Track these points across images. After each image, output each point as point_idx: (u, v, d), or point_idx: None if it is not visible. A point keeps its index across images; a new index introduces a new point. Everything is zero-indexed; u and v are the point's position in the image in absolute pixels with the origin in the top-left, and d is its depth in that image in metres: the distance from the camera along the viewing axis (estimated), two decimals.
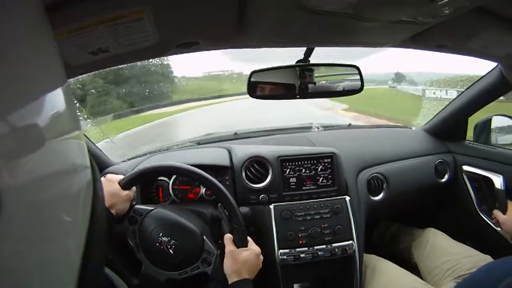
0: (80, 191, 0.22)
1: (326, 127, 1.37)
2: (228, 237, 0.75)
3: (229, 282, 0.70)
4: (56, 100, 0.20)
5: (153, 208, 0.78)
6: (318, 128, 1.34)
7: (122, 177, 0.78)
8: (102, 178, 0.77)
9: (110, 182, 0.75)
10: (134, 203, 0.78)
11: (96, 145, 1.02)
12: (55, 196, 0.19)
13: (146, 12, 0.48)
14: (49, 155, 0.18)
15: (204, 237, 0.76)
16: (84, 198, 0.23)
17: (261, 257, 0.77)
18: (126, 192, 0.75)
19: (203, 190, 1.00)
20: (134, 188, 0.79)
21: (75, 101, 1.03)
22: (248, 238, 0.77)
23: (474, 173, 1.18)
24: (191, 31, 0.61)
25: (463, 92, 1.20)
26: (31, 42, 0.19)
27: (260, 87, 0.83)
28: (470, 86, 1.16)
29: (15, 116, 0.15)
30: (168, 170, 0.81)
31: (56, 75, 0.22)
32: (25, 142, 0.16)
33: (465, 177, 1.22)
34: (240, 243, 0.74)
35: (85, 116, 1.07)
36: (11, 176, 0.14)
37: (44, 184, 0.17)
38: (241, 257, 0.72)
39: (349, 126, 1.43)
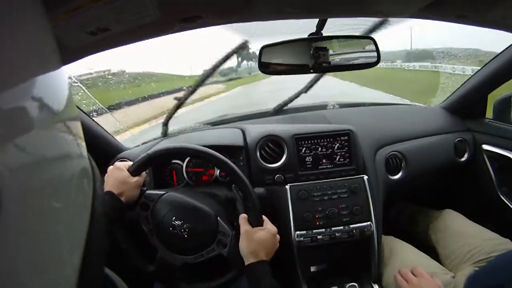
0: (79, 191, 0.22)
1: (342, 105, 1.33)
2: (243, 217, 0.74)
3: (246, 263, 0.69)
4: (50, 84, 0.20)
5: (164, 192, 0.77)
6: (333, 106, 1.30)
7: (130, 163, 0.77)
8: (111, 167, 0.76)
9: (119, 170, 0.75)
10: (145, 188, 0.78)
11: (107, 131, 1.01)
12: (52, 178, 0.18)
13: None
14: (44, 138, 0.18)
15: (218, 218, 0.74)
16: (84, 197, 0.23)
17: (278, 236, 0.75)
18: (135, 179, 0.74)
19: (217, 171, 0.98)
20: (144, 173, 0.78)
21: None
22: (264, 217, 0.75)
23: (494, 152, 1.14)
24: (194, 3, 0.59)
25: (482, 67, 1.14)
26: (23, 26, 0.18)
27: (270, 63, 0.80)
28: (489, 62, 1.11)
29: (9, 100, 0.15)
30: (176, 152, 0.79)
31: (50, 60, 0.21)
32: (17, 126, 0.15)
33: (485, 156, 1.17)
34: (255, 222, 0.72)
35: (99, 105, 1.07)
36: (8, 160, 0.14)
37: (41, 167, 0.17)
38: (256, 237, 0.70)
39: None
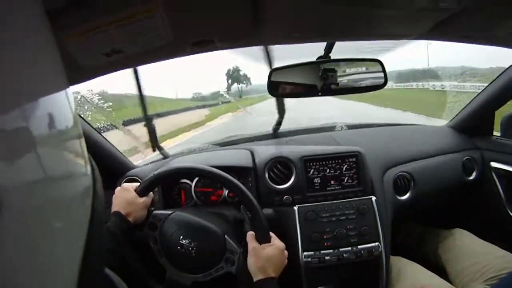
0: (80, 191, 0.22)
1: (351, 126, 1.34)
2: (250, 234, 0.74)
3: (254, 280, 0.68)
4: (56, 103, 0.20)
5: (171, 212, 0.77)
6: (342, 127, 1.31)
7: (137, 184, 0.78)
8: (118, 188, 0.77)
9: (126, 191, 0.76)
10: (153, 208, 0.78)
11: (117, 148, 1.02)
12: (55, 196, 0.18)
13: (157, 9, 0.47)
14: (48, 156, 0.18)
15: (226, 236, 0.74)
16: (84, 198, 0.23)
17: (286, 252, 0.74)
18: (143, 199, 0.75)
19: (225, 192, 0.99)
20: (151, 194, 0.79)
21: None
22: (271, 234, 0.75)
23: (503, 169, 1.13)
24: (205, 28, 0.60)
25: (488, 85, 1.15)
26: (31, 46, 0.19)
27: (281, 86, 0.82)
28: (495, 79, 1.12)
29: (15, 117, 0.15)
30: (185, 172, 0.80)
31: (56, 79, 0.22)
32: (22, 144, 0.15)
33: (493, 174, 1.16)
34: (263, 239, 0.72)
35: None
36: (11, 177, 0.14)
37: (44, 184, 0.17)
38: (264, 253, 0.70)
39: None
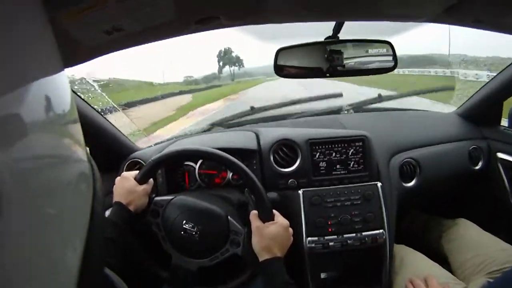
0: (78, 194, 0.22)
1: (357, 109, 1.32)
2: (253, 214, 0.73)
3: (260, 260, 0.68)
4: (51, 88, 0.20)
5: (172, 197, 0.76)
6: (348, 110, 1.29)
7: (136, 172, 0.77)
8: (118, 177, 0.77)
9: (125, 179, 0.75)
10: (154, 195, 0.77)
11: (121, 130, 1.01)
12: (53, 183, 0.18)
13: None
14: (45, 143, 0.18)
15: (229, 217, 0.74)
16: (83, 197, 0.23)
17: (291, 230, 0.73)
18: (142, 187, 0.74)
19: (230, 174, 0.98)
20: (151, 181, 0.78)
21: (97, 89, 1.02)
22: (275, 211, 0.73)
23: (509, 160, 1.11)
24: (210, 5, 0.58)
25: (497, 74, 1.13)
26: (23, 29, 0.18)
27: (286, 69, 0.80)
28: (504, 68, 1.10)
29: (8, 104, 0.15)
30: (183, 155, 0.79)
31: (50, 63, 0.21)
32: (17, 131, 0.15)
33: (499, 164, 1.15)
34: (266, 217, 0.71)
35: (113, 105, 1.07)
36: (8, 166, 0.14)
37: (41, 172, 0.17)
38: (268, 232, 0.69)
39: (379, 96, 1.35)
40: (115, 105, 1.07)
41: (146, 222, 0.75)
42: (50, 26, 0.22)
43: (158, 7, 0.53)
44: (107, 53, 0.73)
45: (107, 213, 0.71)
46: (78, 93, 0.92)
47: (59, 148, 0.20)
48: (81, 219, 0.22)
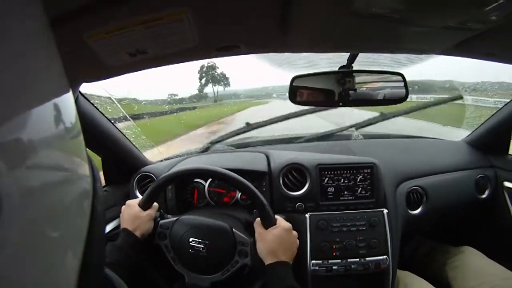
0: (80, 192, 0.22)
1: (366, 136, 1.33)
2: (257, 221, 0.75)
3: (266, 264, 0.69)
4: (57, 107, 0.20)
5: (177, 217, 0.79)
6: (358, 136, 1.30)
7: (139, 199, 0.79)
8: (124, 206, 0.80)
9: (130, 207, 0.79)
10: (159, 219, 0.80)
11: (134, 144, 1.03)
12: (54, 197, 0.18)
13: (186, 14, 0.47)
14: (47, 160, 0.18)
15: (233, 229, 0.75)
16: (84, 199, 0.23)
17: (295, 233, 0.74)
18: (146, 213, 0.78)
19: (238, 194, 0.99)
20: (156, 205, 0.81)
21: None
22: (277, 216, 0.75)
23: None
24: (232, 34, 0.60)
25: (508, 102, 1.13)
26: (31, 51, 0.19)
27: (299, 92, 0.82)
28: None
29: (13, 121, 0.15)
30: (188, 174, 0.80)
31: (55, 83, 0.22)
32: (22, 146, 0.15)
33: (506, 194, 1.15)
34: (268, 223, 0.72)
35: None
36: (11, 180, 0.14)
37: (43, 188, 0.17)
38: (270, 236, 0.70)
39: (382, 114, 1.34)
40: (128, 116, 1.10)
41: (155, 245, 0.77)
42: (56, 47, 0.22)
43: (183, 35, 0.55)
44: (128, 73, 0.75)
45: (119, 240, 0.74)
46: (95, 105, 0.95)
47: (61, 163, 0.20)
48: (81, 220, 0.22)
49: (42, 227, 0.17)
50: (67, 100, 0.22)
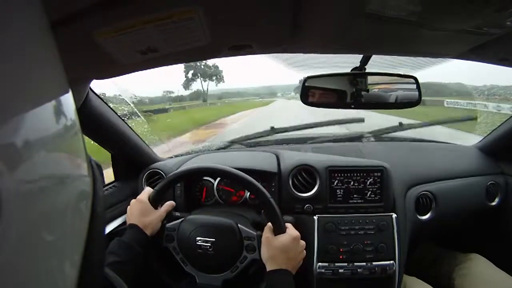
0: (79, 192, 0.22)
1: (377, 137, 1.31)
2: (267, 226, 0.74)
3: (267, 270, 0.68)
4: (56, 107, 0.20)
5: (182, 219, 0.79)
6: (368, 139, 1.29)
7: (150, 193, 0.79)
8: (133, 200, 0.79)
9: (141, 203, 0.77)
10: (165, 222, 0.80)
11: (144, 140, 1.04)
12: (53, 198, 0.18)
13: (197, 12, 0.47)
14: (45, 158, 0.18)
15: (239, 225, 0.75)
16: (83, 199, 0.23)
17: (302, 242, 0.73)
18: (158, 213, 0.77)
19: (247, 194, 0.99)
20: (166, 206, 0.81)
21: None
22: (288, 224, 0.74)
23: None
24: (244, 33, 0.60)
25: None
26: (30, 51, 0.19)
27: (311, 92, 0.82)
28: None
29: (11, 121, 0.15)
30: (196, 172, 0.80)
31: (55, 84, 0.22)
32: (21, 147, 0.15)
33: None
34: (279, 230, 0.72)
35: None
36: (11, 179, 0.14)
37: (43, 186, 0.17)
38: (276, 242, 0.69)
39: (400, 125, 1.33)
40: (138, 113, 1.10)
41: (164, 248, 0.77)
42: (56, 49, 0.22)
43: (194, 34, 0.55)
44: (138, 71, 0.76)
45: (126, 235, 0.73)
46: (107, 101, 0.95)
47: (61, 164, 0.20)
48: (81, 220, 0.22)
49: (41, 228, 0.17)
50: (66, 100, 0.22)
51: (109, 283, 0.38)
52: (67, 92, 0.22)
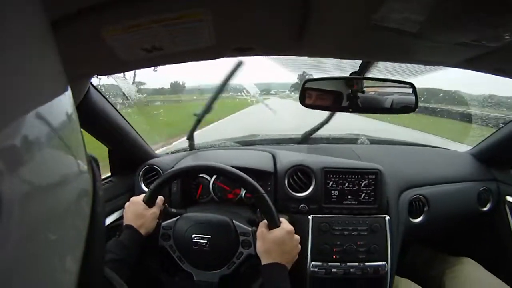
0: (79, 191, 0.22)
1: (373, 141, 1.33)
2: (262, 222, 0.75)
3: (262, 263, 0.69)
4: (55, 106, 0.20)
5: (178, 217, 0.80)
6: (363, 141, 1.31)
7: (143, 196, 0.79)
8: (127, 203, 0.80)
9: (135, 204, 0.78)
10: (160, 221, 0.80)
11: (142, 136, 1.04)
12: (53, 197, 0.18)
13: (206, 14, 0.48)
14: (46, 156, 0.18)
15: (234, 221, 0.76)
16: (83, 198, 0.23)
17: (297, 237, 0.74)
18: (151, 211, 0.78)
19: (243, 192, 1.00)
20: (160, 204, 0.81)
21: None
22: (282, 219, 0.75)
23: None
24: (249, 37, 0.61)
25: None
26: (30, 50, 0.19)
27: (308, 93, 0.83)
28: None
29: (11, 121, 0.15)
30: (196, 170, 0.81)
31: (54, 83, 0.22)
32: (20, 147, 0.15)
33: (507, 208, 1.15)
34: (273, 225, 0.73)
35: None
36: (11, 179, 0.14)
37: (43, 185, 0.17)
38: (270, 236, 0.70)
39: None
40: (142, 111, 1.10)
41: (160, 247, 0.78)
42: (55, 46, 0.22)
43: (200, 35, 0.56)
44: (141, 68, 0.76)
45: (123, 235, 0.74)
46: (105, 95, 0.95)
47: (60, 163, 0.20)
48: (81, 220, 0.22)
49: (41, 228, 0.17)
50: (65, 98, 0.22)
51: (109, 282, 0.38)
52: (66, 89, 0.22)
